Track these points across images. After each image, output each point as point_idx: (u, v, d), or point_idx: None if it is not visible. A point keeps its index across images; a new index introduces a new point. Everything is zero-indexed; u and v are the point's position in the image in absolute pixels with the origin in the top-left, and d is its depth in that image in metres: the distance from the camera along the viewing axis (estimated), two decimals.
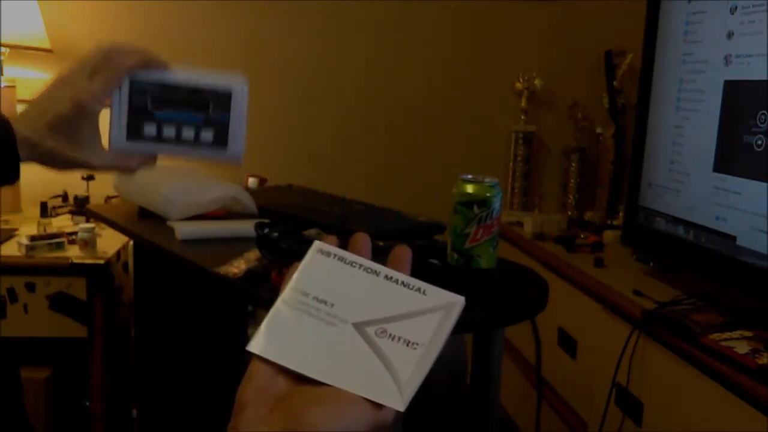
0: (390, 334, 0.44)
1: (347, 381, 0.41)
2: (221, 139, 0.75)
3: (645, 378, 1.54)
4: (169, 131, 0.74)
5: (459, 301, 0.46)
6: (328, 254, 0.48)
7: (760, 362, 1.23)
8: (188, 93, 0.74)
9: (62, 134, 0.70)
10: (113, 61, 0.71)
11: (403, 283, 0.46)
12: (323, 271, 0.47)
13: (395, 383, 0.42)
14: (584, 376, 1.82)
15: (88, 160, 0.72)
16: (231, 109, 0.75)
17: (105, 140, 0.74)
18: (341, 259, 0.47)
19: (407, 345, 0.43)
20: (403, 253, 0.49)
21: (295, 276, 0.47)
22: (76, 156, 0.71)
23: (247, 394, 0.41)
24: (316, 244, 0.48)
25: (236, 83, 0.75)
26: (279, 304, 0.45)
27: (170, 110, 0.74)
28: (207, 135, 0.74)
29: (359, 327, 0.44)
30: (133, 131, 0.73)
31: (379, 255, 0.49)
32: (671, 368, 1.44)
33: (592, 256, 2.00)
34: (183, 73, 0.74)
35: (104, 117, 0.74)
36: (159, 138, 0.74)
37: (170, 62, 0.75)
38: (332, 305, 0.45)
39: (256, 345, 0.43)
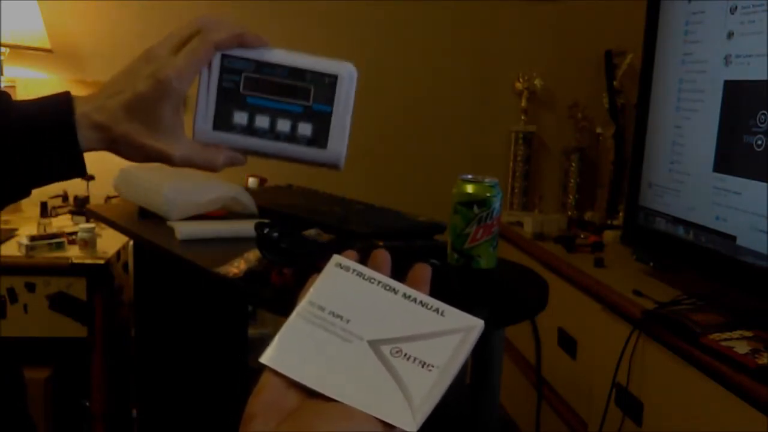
0: (405, 354, 0.43)
1: (359, 399, 0.40)
2: (321, 136, 0.65)
3: (645, 378, 1.54)
4: (262, 121, 0.64)
5: (478, 324, 0.44)
6: (347, 269, 0.47)
7: (760, 362, 1.23)
8: (287, 75, 0.64)
9: (139, 118, 0.62)
10: (203, 34, 0.62)
11: (421, 302, 0.45)
12: (341, 285, 0.46)
13: (408, 404, 0.40)
14: (584, 376, 1.82)
15: (167, 150, 0.63)
16: (335, 98, 0.65)
17: (188, 129, 0.65)
18: (360, 274, 0.46)
19: (422, 366, 0.42)
20: (423, 272, 0.48)
21: (311, 289, 0.46)
22: (154, 144, 0.62)
23: (257, 406, 0.41)
24: (335, 258, 0.47)
25: (344, 68, 0.65)
26: (294, 317, 0.44)
27: (265, 95, 0.64)
28: (305, 129, 0.64)
29: (374, 345, 0.43)
30: (221, 119, 0.64)
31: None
32: (671, 368, 1.44)
33: (592, 256, 2.00)
34: (283, 53, 0.64)
35: (190, 103, 0.65)
36: (250, 129, 0.64)
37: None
38: (348, 321, 0.44)
39: (268, 357, 0.42)
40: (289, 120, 0.64)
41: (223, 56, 0.64)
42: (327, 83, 0.65)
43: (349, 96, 0.66)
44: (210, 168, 0.65)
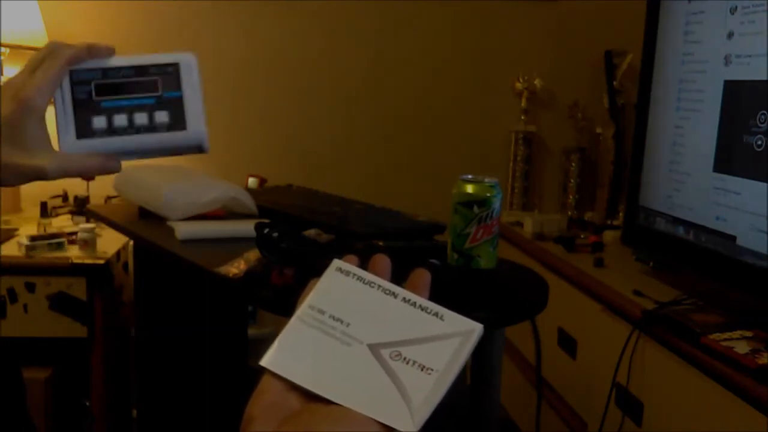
0: (405, 358, 0.43)
1: (359, 402, 0.41)
2: (179, 119, 0.69)
3: (645, 378, 1.54)
4: (120, 120, 0.68)
5: (477, 328, 0.45)
6: (347, 273, 0.47)
7: (760, 362, 1.23)
8: (133, 74, 0.69)
9: (8, 140, 0.64)
10: (54, 52, 0.66)
11: (421, 306, 0.46)
12: (341, 289, 0.46)
13: (407, 407, 0.41)
14: (584, 376, 1.82)
15: (41, 164, 0.65)
16: (182, 83, 0.69)
17: (56, 144, 0.68)
18: (360, 278, 0.47)
19: (422, 370, 0.43)
20: (423, 276, 0.48)
21: (312, 293, 0.46)
22: (27, 162, 0.65)
23: (257, 409, 0.41)
24: (335, 262, 0.48)
25: (182, 56, 0.70)
26: (294, 320, 0.45)
27: (117, 96, 0.69)
28: (162, 116, 0.69)
29: (374, 348, 0.44)
30: (83, 128, 0.68)
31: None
32: (671, 368, 1.44)
33: (592, 256, 2.00)
34: (124, 58, 0.69)
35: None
36: (111, 130, 0.68)
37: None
38: (348, 324, 0.45)
39: (268, 360, 0.43)
40: (145, 112, 0.68)
41: (71, 72, 0.68)
42: (171, 72, 0.69)
43: (194, 79, 0.70)
44: (84, 175, 0.69)
